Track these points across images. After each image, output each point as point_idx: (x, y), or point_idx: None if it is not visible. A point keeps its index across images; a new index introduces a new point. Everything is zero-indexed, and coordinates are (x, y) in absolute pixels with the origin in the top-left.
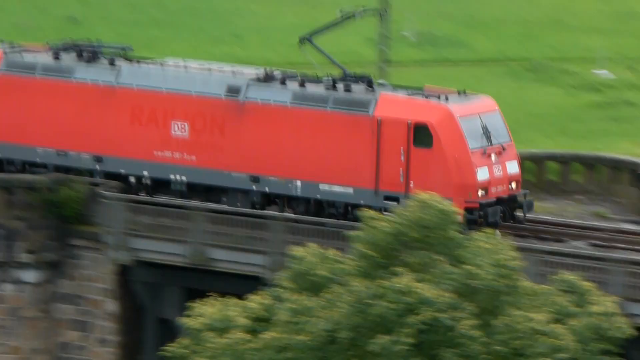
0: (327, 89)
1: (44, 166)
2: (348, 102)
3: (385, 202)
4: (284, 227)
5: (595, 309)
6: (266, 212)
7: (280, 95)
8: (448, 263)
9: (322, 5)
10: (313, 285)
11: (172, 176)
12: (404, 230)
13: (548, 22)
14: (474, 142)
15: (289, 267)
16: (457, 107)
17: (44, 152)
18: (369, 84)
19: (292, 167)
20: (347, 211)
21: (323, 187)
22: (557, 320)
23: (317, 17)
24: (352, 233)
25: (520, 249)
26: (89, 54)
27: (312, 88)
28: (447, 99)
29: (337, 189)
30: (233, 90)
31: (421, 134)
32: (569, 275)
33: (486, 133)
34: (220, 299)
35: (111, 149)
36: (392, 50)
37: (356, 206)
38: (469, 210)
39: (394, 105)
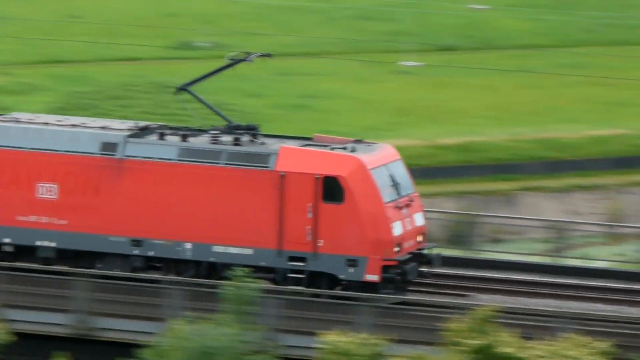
0: (214, 142)
1: None
2: (245, 157)
3: (291, 263)
4: None
5: None
6: None
7: (164, 152)
8: None
9: None
10: None
11: (38, 242)
12: None
13: None
14: (386, 195)
15: None
16: (366, 157)
17: None
18: (254, 135)
19: (181, 228)
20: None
21: (217, 248)
22: None
23: None
24: None
25: None
26: None
27: (197, 142)
28: (353, 149)
29: (234, 250)
30: (108, 148)
31: (331, 188)
32: None
33: (395, 184)
34: None
35: None
36: None
37: (256, 268)
38: (386, 268)
39: (297, 158)
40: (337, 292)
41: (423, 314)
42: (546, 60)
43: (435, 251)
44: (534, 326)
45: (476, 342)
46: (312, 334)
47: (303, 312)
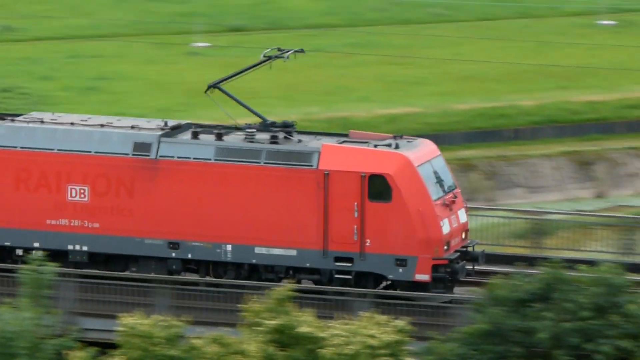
0: (250, 141)
1: None
2: (286, 155)
3: (337, 263)
4: None
5: None
6: None
7: (201, 151)
8: None
9: None
10: None
11: (70, 246)
12: None
13: None
14: (433, 192)
15: None
16: (412, 154)
17: None
18: (289, 133)
19: (221, 230)
20: (288, 275)
21: (259, 250)
22: None
23: None
24: None
25: None
26: None
27: (233, 141)
28: (397, 146)
29: (277, 251)
30: (142, 148)
31: (377, 187)
32: None
33: (440, 181)
34: None
35: None
36: None
37: (301, 269)
38: (436, 267)
39: (341, 156)
40: (135, 274)
41: (222, 295)
42: (337, 39)
43: (478, 248)
44: (334, 306)
45: (275, 322)
46: (112, 317)
47: (103, 295)
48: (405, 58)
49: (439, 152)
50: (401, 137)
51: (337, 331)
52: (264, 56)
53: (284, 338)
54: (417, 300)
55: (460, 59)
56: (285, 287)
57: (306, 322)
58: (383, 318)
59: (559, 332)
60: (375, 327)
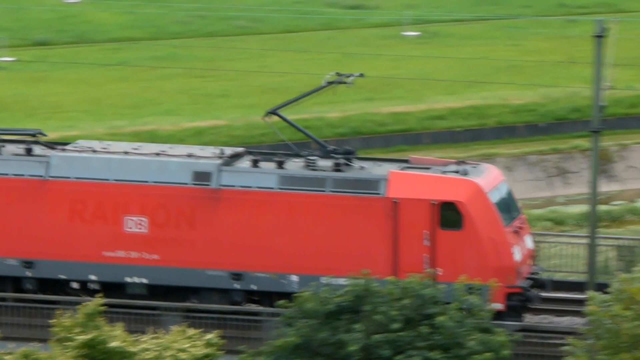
0: (312, 168)
1: None
2: (353, 183)
3: None
4: None
5: None
6: None
7: (263, 180)
8: None
9: None
10: None
11: (127, 279)
12: None
13: None
14: (503, 219)
15: None
16: (482, 181)
17: None
18: (349, 159)
19: (286, 260)
20: None
21: (326, 280)
22: None
23: None
24: None
25: None
26: None
27: (294, 168)
28: (466, 172)
29: (345, 281)
30: (202, 177)
31: (448, 215)
32: None
33: (507, 207)
34: None
35: (45, 251)
36: None
37: None
38: (509, 296)
39: (409, 183)
40: None
41: (32, 310)
42: (141, 52)
43: (544, 274)
44: (146, 320)
45: (85, 337)
46: None
47: None
48: (209, 71)
49: (503, 178)
50: (464, 162)
51: (148, 345)
52: (326, 82)
53: (95, 353)
54: (227, 313)
55: (264, 71)
56: (95, 302)
57: (117, 336)
58: (194, 332)
59: (369, 344)
60: (186, 341)
